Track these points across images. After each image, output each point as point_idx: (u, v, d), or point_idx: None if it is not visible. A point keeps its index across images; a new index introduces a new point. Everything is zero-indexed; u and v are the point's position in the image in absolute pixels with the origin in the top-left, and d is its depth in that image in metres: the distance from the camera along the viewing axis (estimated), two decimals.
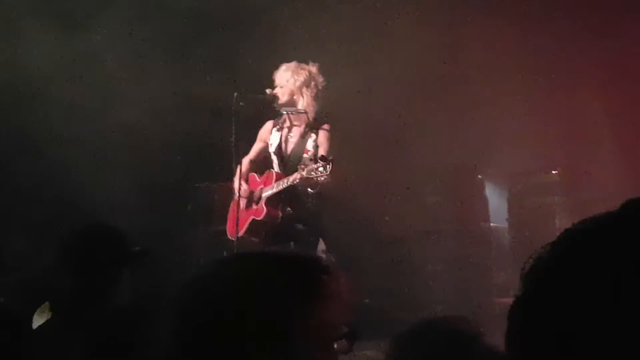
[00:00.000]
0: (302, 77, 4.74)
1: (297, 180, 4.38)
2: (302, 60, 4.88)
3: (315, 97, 4.76)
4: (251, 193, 4.71)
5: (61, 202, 6.22)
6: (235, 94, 4.59)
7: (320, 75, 4.81)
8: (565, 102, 7.16)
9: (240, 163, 4.62)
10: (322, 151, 4.56)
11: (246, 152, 4.93)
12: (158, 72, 6.30)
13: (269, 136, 4.87)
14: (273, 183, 4.62)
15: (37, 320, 2.28)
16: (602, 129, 6.98)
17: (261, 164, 4.89)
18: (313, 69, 4.76)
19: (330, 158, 4.33)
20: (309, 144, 4.66)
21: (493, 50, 7.04)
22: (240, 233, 4.61)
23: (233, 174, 4.79)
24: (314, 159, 4.38)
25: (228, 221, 4.79)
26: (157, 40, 6.40)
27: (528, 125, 7.13)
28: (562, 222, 7.34)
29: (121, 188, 6.24)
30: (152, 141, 6.21)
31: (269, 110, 4.88)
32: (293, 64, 4.82)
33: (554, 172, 7.37)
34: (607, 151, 6.90)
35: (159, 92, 6.15)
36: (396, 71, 7.02)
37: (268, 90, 4.74)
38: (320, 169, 4.23)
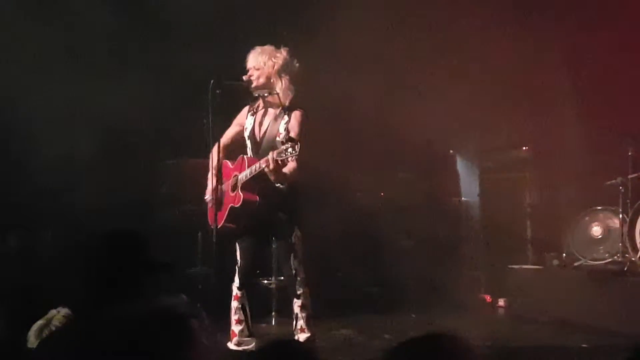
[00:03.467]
0: (280, 60, 4.70)
1: (269, 163, 4.37)
2: (274, 44, 4.85)
3: (292, 82, 4.75)
4: (224, 186, 4.72)
5: (32, 184, 6.17)
6: (212, 81, 4.56)
7: (294, 60, 4.79)
8: (535, 81, 7.24)
9: (218, 146, 4.60)
10: (292, 134, 4.55)
11: (222, 136, 4.90)
12: (134, 58, 6.25)
13: (245, 121, 4.86)
14: (246, 169, 4.61)
15: (34, 339, 2.26)
16: (571, 108, 7.09)
17: (235, 150, 4.87)
18: (285, 53, 4.74)
19: (297, 139, 4.34)
20: (281, 127, 4.64)
21: (466, 30, 7.07)
22: (221, 222, 4.62)
23: (208, 153, 4.78)
24: (285, 141, 4.37)
25: (208, 211, 4.79)
26: (135, 25, 6.33)
27: (499, 103, 7.21)
28: (531, 198, 7.52)
29: (94, 169, 6.22)
30: (126, 123, 6.17)
31: (245, 96, 4.85)
32: (268, 47, 4.78)
33: (524, 148, 7.51)
34: (575, 129, 7.02)
35: (135, 76, 6.10)
36: (367, 50, 7.03)
37: (245, 77, 4.71)
38: (290, 150, 4.24)
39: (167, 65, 6.34)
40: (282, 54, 4.73)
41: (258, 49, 4.76)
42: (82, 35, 6.32)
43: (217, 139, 4.66)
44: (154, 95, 6.17)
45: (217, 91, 4.51)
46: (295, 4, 6.79)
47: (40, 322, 2.32)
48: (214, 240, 4.53)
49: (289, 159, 4.30)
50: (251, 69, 4.72)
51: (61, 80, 6.15)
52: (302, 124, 4.61)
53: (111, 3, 6.26)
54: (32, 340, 2.28)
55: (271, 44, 4.80)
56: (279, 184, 4.49)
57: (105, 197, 6.46)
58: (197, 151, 5.14)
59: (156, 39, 6.55)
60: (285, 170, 4.42)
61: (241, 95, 4.83)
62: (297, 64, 4.79)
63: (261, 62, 4.70)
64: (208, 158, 4.77)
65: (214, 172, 4.66)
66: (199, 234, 6.42)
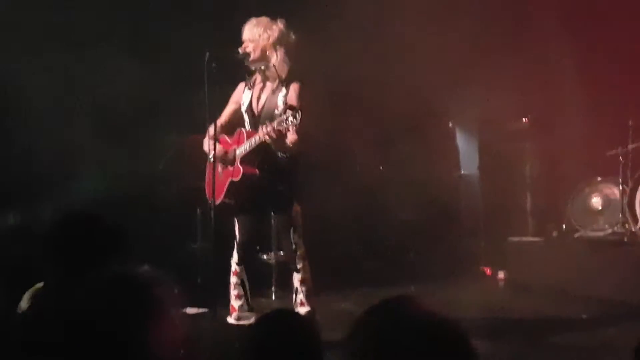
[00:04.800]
0: (275, 33, 4.64)
1: (269, 134, 4.32)
2: (270, 16, 4.79)
3: (288, 54, 4.69)
4: (225, 154, 4.68)
5: (30, 164, 6.15)
6: (207, 53, 4.50)
7: (291, 32, 4.73)
8: (535, 52, 7.17)
9: (215, 125, 4.55)
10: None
11: (219, 111, 4.86)
12: (128, 32, 6.19)
13: (242, 96, 4.80)
14: (245, 141, 4.57)
15: (26, 302, 2.31)
16: (571, 78, 7.03)
17: (233, 126, 4.83)
18: (281, 25, 4.68)
19: (298, 106, 4.30)
20: (279, 100, 4.59)
21: (464, 1, 6.99)
22: (220, 197, 4.60)
23: (206, 129, 4.75)
24: (284, 111, 4.32)
25: (206, 186, 4.75)
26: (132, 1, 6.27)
27: (499, 73, 7.15)
28: (532, 169, 7.49)
29: (93, 147, 6.19)
30: (124, 100, 6.13)
31: (241, 69, 4.79)
32: (264, 19, 4.71)
33: (524, 119, 7.46)
34: (575, 99, 6.97)
35: (132, 53, 6.05)
36: (365, 22, 6.95)
37: (240, 50, 4.66)
38: (290, 119, 4.19)
39: (163, 40, 6.27)
40: (278, 26, 4.67)
41: (253, 20, 4.70)
42: (79, 12, 6.26)
43: (214, 112, 4.61)
44: (151, 71, 6.11)
45: (213, 64, 4.46)
46: None
47: (31, 290, 2.38)
48: (212, 216, 4.51)
49: (290, 128, 4.25)
50: (246, 41, 4.67)
51: (58, 58, 6.10)
52: (301, 96, 4.57)
53: None
54: (24, 306, 2.33)
55: (267, 15, 4.74)
56: (281, 153, 4.46)
57: (105, 174, 6.44)
58: (196, 126, 5.09)
59: (153, 15, 6.48)
60: (287, 140, 4.38)
61: (237, 68, 4.78)
62: (294, 36, 4.74)
63: (256, 34, 4.65)
64: (207, 133, 4.73)
65: (212, 145, 4.60)
66: (198, 209, 6.40)
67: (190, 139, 5.76)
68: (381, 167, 7.98)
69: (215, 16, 6.13)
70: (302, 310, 4.55)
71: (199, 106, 4.64)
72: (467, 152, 8.23)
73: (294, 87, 4.59)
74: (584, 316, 5.43)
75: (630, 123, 6.38)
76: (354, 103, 7.50)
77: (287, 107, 4.29)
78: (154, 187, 6.71)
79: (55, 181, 6.20)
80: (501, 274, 7.12)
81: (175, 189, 6.57)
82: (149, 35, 6.33)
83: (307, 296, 4.60)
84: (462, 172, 8.22)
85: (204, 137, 4.80)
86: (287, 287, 4.87)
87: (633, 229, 6.24)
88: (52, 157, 6.16)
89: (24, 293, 2.46)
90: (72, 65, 6.12)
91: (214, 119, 4.60)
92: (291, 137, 4.39)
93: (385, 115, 7.79)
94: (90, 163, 6.43)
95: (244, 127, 4.74)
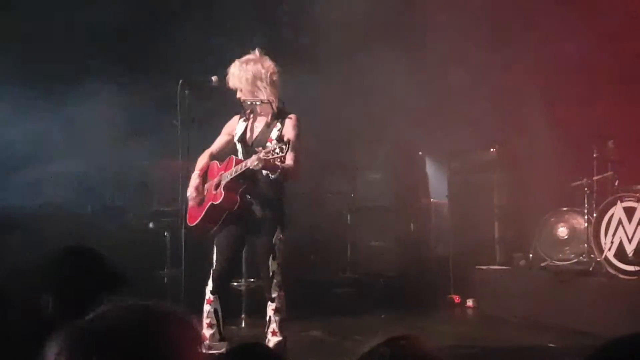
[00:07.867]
0: (250, 72, 4.66)
1: (255, 163, 4.34)
2: (254, 53, 4.81)
3: (272, 84, 4.72)
4: (212, 179, 4.72)
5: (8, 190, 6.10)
6: (180, 81, 4.53)
7: (266, 59, 4.75)
8: (503, 83, 7.32)
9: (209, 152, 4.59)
10: (289, 137, 4.52)
11: (193, 137, 4.86)
12: (103, 63, 6.20)
13: (235, 127, 4.84)
14: (232, 168, 4.61)
15: None
16: (538, 109, 7.18)
17: (224, 155, 4.86)
18: (270, 62, 4.70)
19: (286, 139, 4.33)
20: (274, 133, 4.63)
21: (436, 31, 7.13)
22: (198, 219, 4.61)
23: (178, 155, 4.75)
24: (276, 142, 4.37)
25: (188, 208, 4.78)
26: (110, 26, 6.28)
27: (468, 104, 7.28)
28: (499, 199, 7.60)
29: (65, 170, 6.16)
30: (98, 124, 6.12)
31: (215, 97, 4.82)
32: (236, 64, 4.71)
33: (491, 150, 7.59)
34: (541, 131, 7.11)
35: (108, 78, 6.06)
36: (339, 51, 7.05)
37: (214, 78, 4.69)
38: (277, 150, 4.23)
39: (140, 67, 6.30)
40: (251, 61, 4.71)
41: (231, 69, 4.70)
42: (57, 35, 6.26)
43: (187, 139, 4.63)
44: (126, 96, 6.12)
45: (186, 92, 4.48)
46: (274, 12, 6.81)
47: None
48: (183, 242, 4.50)
49: (277, 160, 4.28)
50: (234, 76, 4.69)
51: (34, 86, 6.09)
52: (298, 127, 4.63)
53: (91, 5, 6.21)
54: None
55: (251, 52, 4.77)
56: (274, 176, 4.51)
57: (76, 198, 6.40)
58: (168, 153, 5.10)
59: (132, 41, 6.50)
60: (280, 164, 4.39)
61: (211, 96, 4.81)
62: (271, 64, 4.77)
63: (238, 82, 4.68)
64: (178, 160, 4.74)
65: (199, 172, 4.64)
66: (167, 235, 6.37)
67: (164, 164, 5.77)
68: (352, 195, 8.05)
69: (193, 44, 6.18)
70: (274, 339, 4.54)
71: (172, 133, 4.66)
72: (436, 180, 8.34)
73: (289, 120, 4.64)
74: (551, 345, 5.50)
75: (594, 155, 6.51)
76: (326, 132, 7.56)
77: (276, 138, 4.34)
78: (126, 212, 6.69)
79: (26, 200, 6.15)
80: (470, 302, 7.19)
81: (147, 213, 6.55)
82: (128, 64, 6.35)
83: (280, 326, 4.57)
84: (432, 200, 8.32)
85: (176, 162, 4.81)
86: (257, 314, 4.85)
87: (598, 259, 6.33)
88: (25, 179, 6.12)
89: None
90: (49, 89, 6.11)
91: (186, 145, 4.62)
92: (288, 161, 4.39)
93: (356, 143, 7.86)
94: (62, 187, 6.38)
95: (237, 155, 4.76)
